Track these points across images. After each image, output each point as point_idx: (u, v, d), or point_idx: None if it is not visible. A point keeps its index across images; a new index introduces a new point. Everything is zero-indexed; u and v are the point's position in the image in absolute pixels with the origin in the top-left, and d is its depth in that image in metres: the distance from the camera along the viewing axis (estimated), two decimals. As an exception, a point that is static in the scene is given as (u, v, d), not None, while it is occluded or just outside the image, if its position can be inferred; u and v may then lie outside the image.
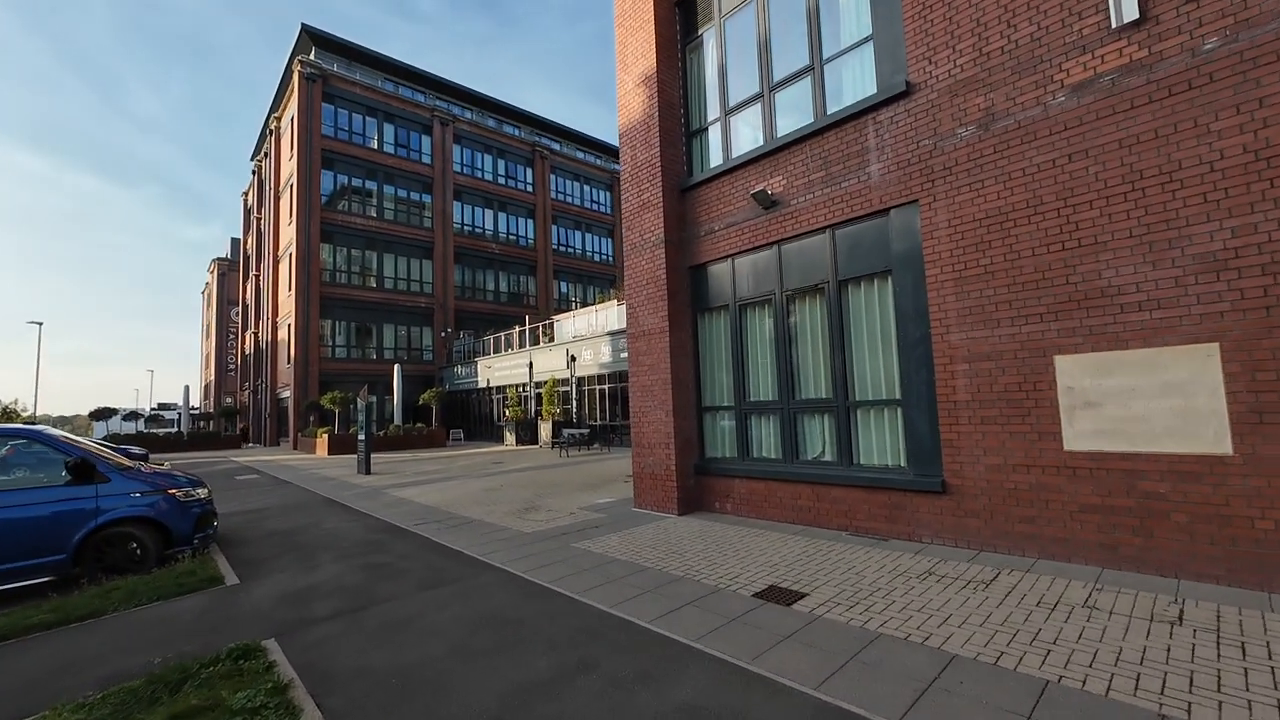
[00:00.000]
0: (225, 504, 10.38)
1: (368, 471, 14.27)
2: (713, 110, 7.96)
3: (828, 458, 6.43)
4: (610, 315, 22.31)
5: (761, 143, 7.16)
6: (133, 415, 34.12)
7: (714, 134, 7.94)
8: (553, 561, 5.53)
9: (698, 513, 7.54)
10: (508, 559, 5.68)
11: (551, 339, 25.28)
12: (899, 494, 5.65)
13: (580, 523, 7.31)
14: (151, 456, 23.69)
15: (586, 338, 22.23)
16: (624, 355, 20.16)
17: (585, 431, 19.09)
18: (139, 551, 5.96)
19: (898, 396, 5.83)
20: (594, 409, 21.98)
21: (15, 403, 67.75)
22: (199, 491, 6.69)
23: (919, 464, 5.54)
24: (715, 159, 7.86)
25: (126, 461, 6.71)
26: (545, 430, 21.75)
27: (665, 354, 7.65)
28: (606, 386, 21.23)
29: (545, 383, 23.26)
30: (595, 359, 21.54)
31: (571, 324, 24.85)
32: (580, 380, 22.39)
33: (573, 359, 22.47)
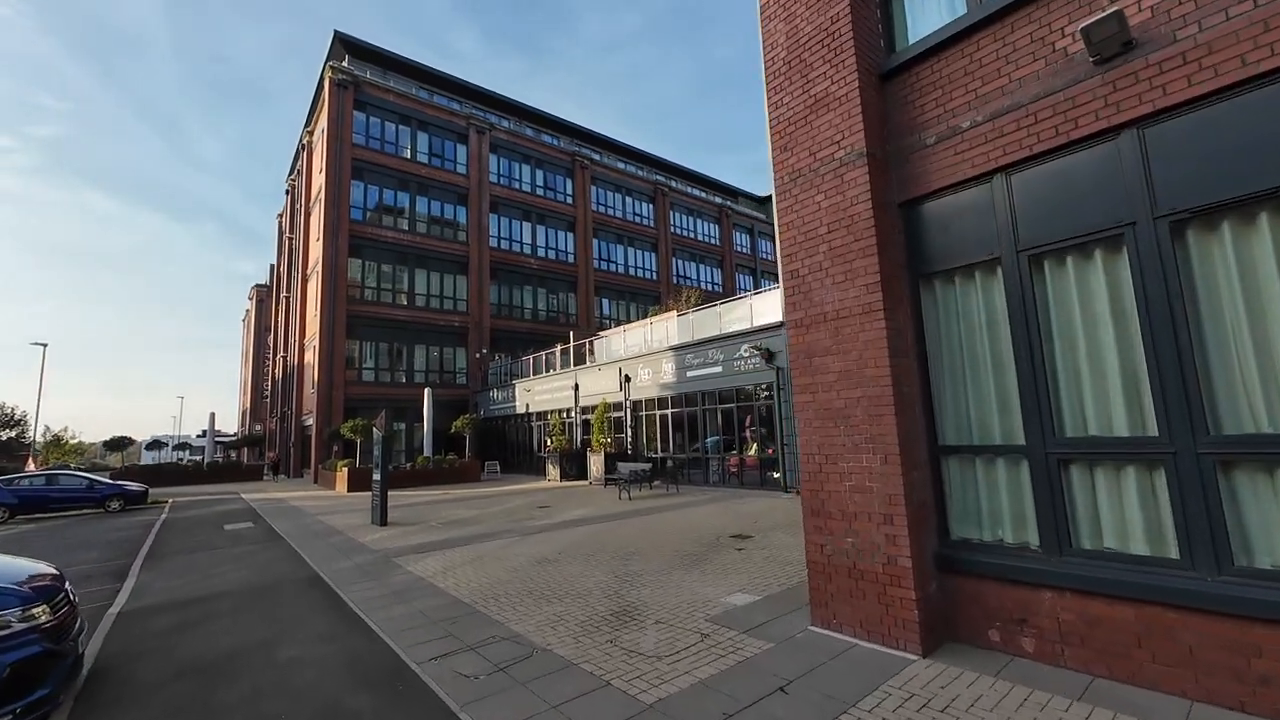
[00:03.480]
0: (170, 581, 7.28)
1: (383, 522, 11.13)
2: (932, -60, 4.68)
3: (1337, 568, 2.86)
4: (671, 328, 19.07)
5: (1076, -52, 3.81)
6: (155, 444, 32.30)
7: (939, -24, 4.64)
8: None
9: (950, 644, 4.01)
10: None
11: (600, 357, 22.14)
12: None
13: (733, 668, 3.87)
14: (153, 492, 21.32)
15: (643, 355, 18.97)
16: (691, 374, 16.81)
17: (647, 467, 15.66)
18: None
19: None
20: (653, 438, 18.57)
21: (65, 430, 68.11)
22: (31, 614, 3.53)
23: None
24: (943, 13, 4.54)
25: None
26: (596, 464, 18.38)
27: (880, 351, 4.24)
28: (669, 412, 17.82)
29: (595, 408, 20.00)
30: (655, 379, 18.22)
31: (622, 340, 21.70)
32: (636, 404, 19.05)
33: (627, 379, 19.19)
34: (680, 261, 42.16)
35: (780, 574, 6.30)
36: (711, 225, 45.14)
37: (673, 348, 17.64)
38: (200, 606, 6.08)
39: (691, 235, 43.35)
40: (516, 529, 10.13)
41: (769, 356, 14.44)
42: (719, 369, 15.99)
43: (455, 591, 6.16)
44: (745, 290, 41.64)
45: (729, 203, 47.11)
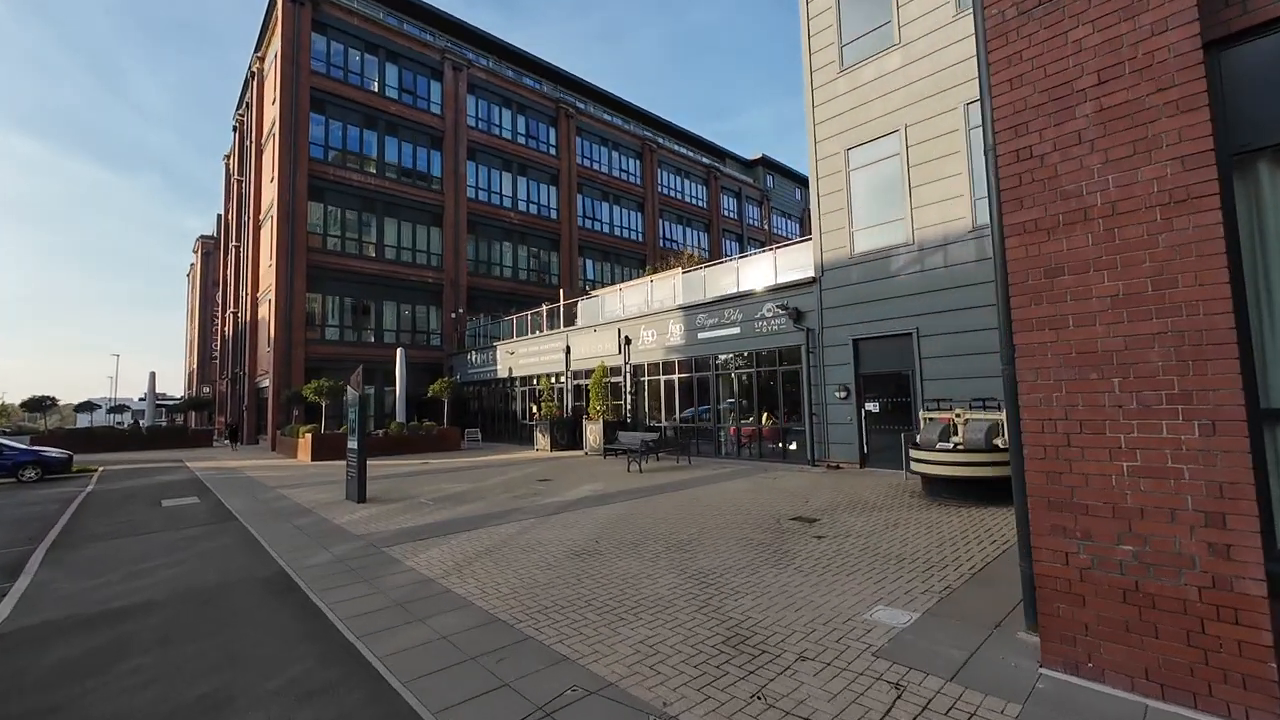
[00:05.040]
0: (79, 581, 5.39)
1: (361, 498, 9.32)
2: None
3: None
4: (676, 286, 17.35)
5: None
6: (87, 406, 29.06)
7: None
8: None
9: (1298, 711, 2.63)
10: None
11: (593, 318, 20.30)
12: None
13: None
14: (83, 459, 18.72)
15: (647, 315, 17.26)
16: (703, 336, 15.24)
17: (655, 437, 14.18)
18: None
19: None
20: (656, 406, 17.03)
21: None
22: None
23: None
24: None
25: None
26: (594, 432, 16.80)
27: (1209, 261, 2.71)
28: (676, 377, 16.26)
29: (589, 372, 18.34)
30: (660, 341, 16.59)
31: (619, 299, 19.87)
32: (637, 369, 17.43)
33: (627, 341, 17.53)
34: (667, 223, 40.16)
35: (905, 574, 4.89)
36: (699, 187, 43.11)
37: (682, 307, 15.98)
38: (115, 626, 4.27)
39: (679, 196, 41.28)
40: (527, 508, 8.50)
41: (797, 316, 12.98)
42: (736, 330, 14.47)
43: (483, 601, 4.52)
44: (729, 255, 40.12)
45: (717, 164, 45.03)
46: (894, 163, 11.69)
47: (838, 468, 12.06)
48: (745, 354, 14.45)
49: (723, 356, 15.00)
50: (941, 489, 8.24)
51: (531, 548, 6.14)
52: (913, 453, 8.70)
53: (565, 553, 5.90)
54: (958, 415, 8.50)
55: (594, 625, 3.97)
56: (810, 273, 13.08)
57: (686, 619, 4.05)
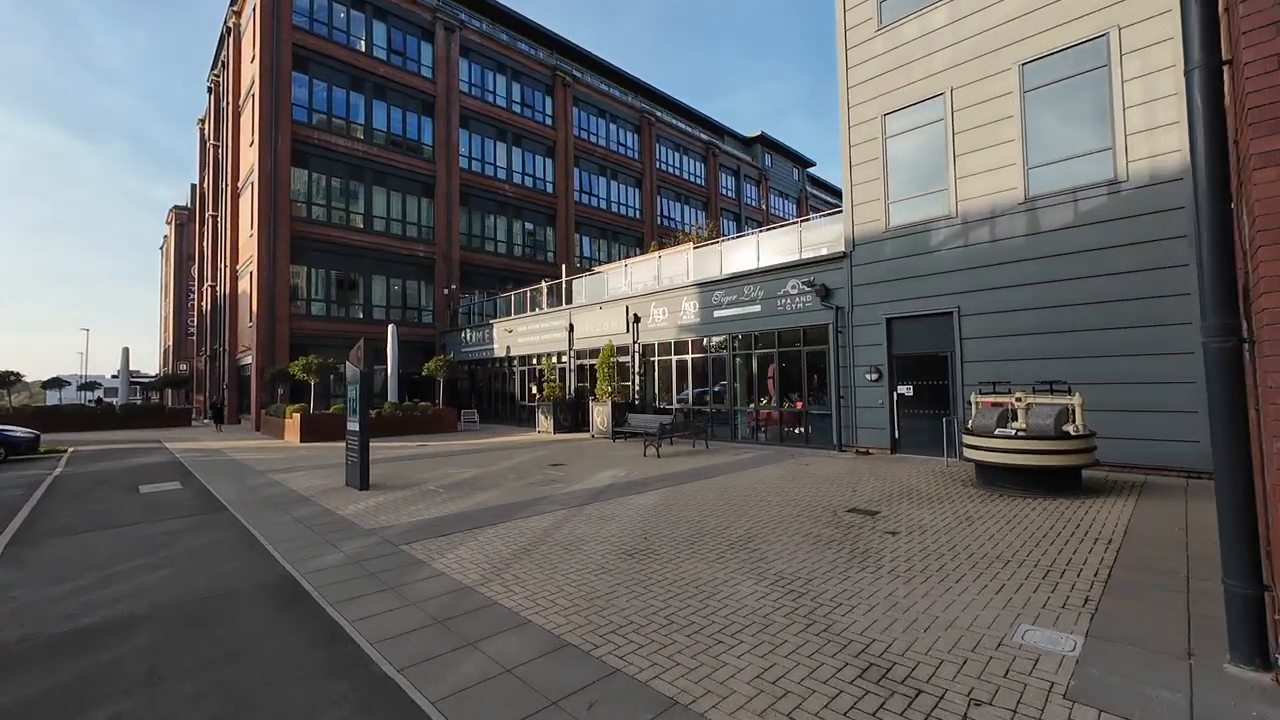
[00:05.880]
0: (41, 589, 4.50)
1: (364, 486, 8.46)
2: None
3: None
4: (688, 261, 16.50)
5: None
6: (55, 382, 27.49)
7: None
8: None
9: None
10: None
11: (593, 295, 19.36)
12: None
13: None
14: (51, 439, 17.48)
15: (657, 292, 16.41)
16: (720, 314, 14.49)
17: (669, 420, 13.47)
18: None
19: None
20: (667, 387, 16.28)
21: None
22: None
23: None
24: None
25: None
26: (601, 415, 16.01)
27: None
28: (690, 357, 15.50)
29: (594, 351, 17.49)
30: (672, 320, 15.78)
31: (625, 276, 18.96)
32: (647, 349, 16.63)
33: (636, 319, 16.69)
34: (665, 201, 39.02)
35: (1024, 581, 4.24)
36: (698, 164, 41.93)
37: (697, 283, 15.15)
38: (85, 652, 3.43)
39: (677, 173, 40.09)
40: (552, 497, 7.73)
41: (825, 294, 12.25)
42: (756, 308, 13.71)
43: (539, 616, 3.76)
44: (727, 235, 39.14)
45: (716, 141, 43.80)
46: (936, 129, 10.91)
47: (867, 453, 11.47)
48: (766, 333, 13.71)
49: (741, 336, 14.25)
50: (1001, 478, 7.64)
51: (574, 546, 5.39)
52: (966, 439, 8.07)
53: (616, 552, 5.15)
54: (1018, 400, 7.86)
55: (689, 651, 3.24)
56: (838, 248, 12.34)
57: (797, 642, 3.34)
